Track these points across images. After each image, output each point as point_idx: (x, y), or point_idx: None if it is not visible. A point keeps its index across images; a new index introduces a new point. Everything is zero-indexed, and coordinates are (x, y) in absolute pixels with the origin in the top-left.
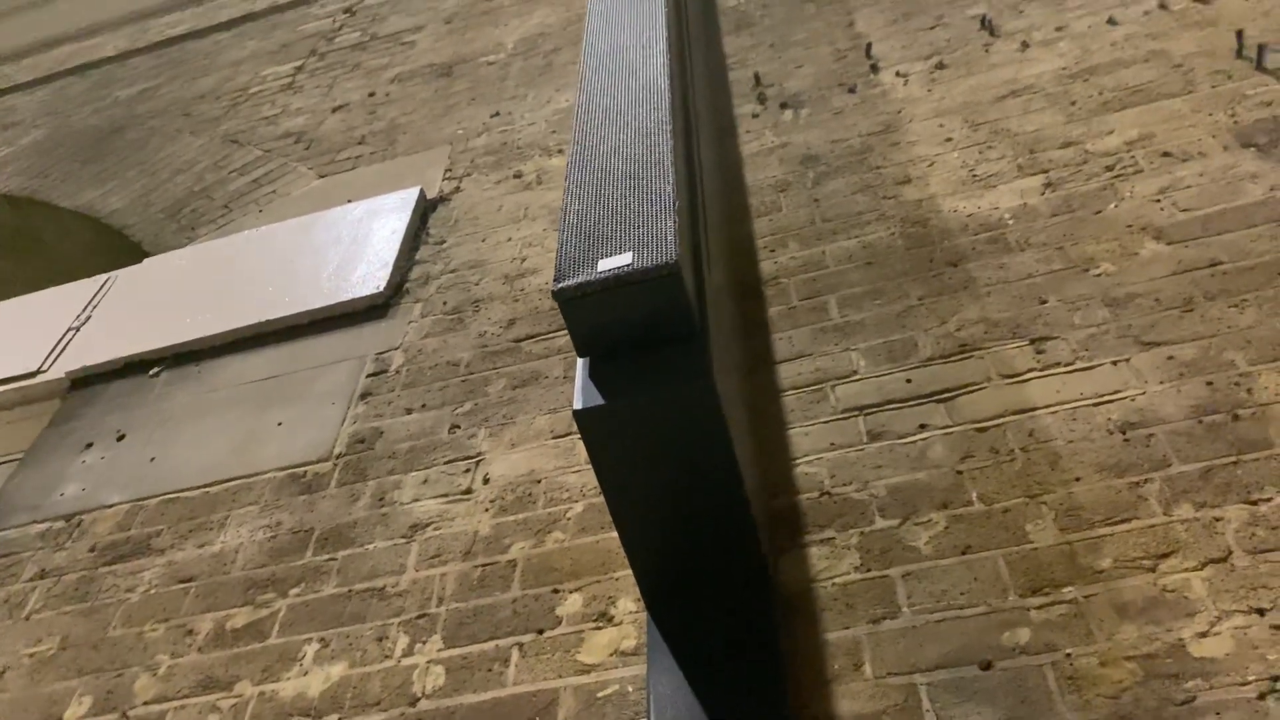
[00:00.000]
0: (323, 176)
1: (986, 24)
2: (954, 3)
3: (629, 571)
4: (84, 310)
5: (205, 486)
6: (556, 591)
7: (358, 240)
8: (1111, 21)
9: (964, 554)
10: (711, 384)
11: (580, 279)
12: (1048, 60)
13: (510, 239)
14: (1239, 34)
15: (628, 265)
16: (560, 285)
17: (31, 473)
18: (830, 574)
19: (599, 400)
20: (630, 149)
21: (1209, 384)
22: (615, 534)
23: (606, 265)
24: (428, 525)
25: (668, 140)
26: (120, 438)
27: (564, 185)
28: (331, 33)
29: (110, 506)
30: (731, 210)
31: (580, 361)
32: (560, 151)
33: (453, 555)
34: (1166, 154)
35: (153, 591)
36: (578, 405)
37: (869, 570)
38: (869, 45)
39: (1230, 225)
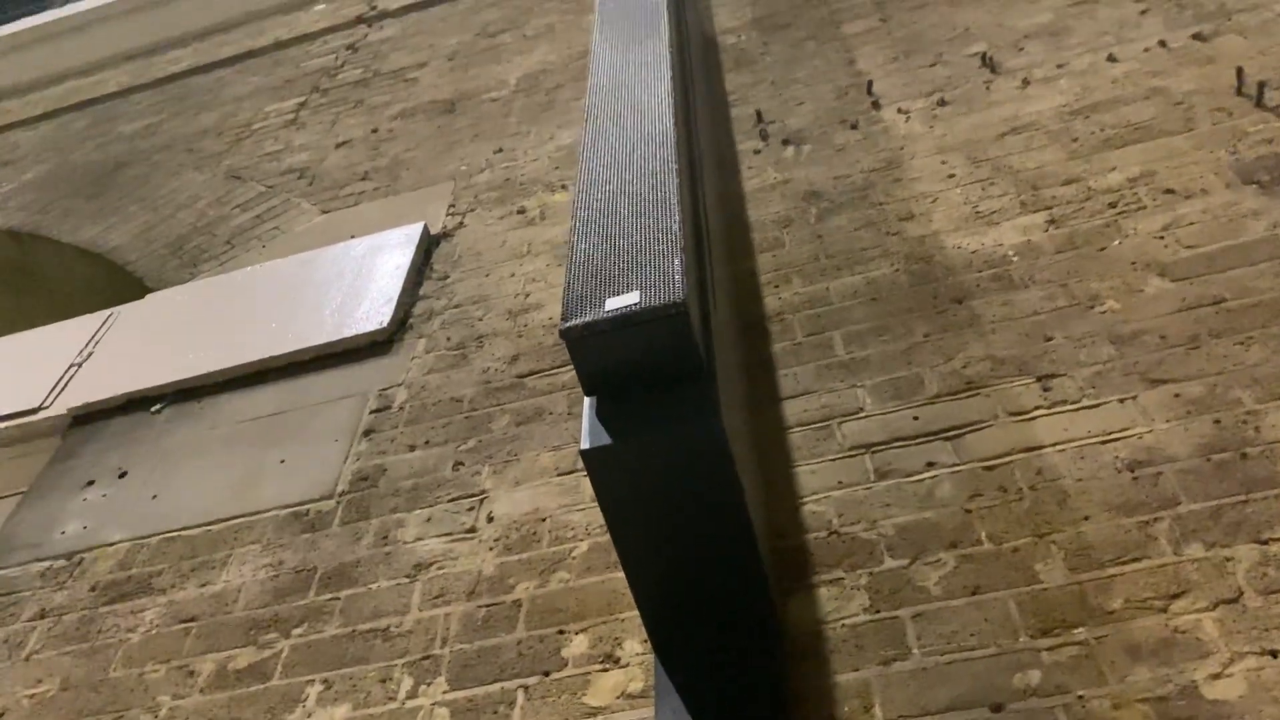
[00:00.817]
0: (326, 212)
1: (987, 61)
2: (954, 41)
3: (635, 612)
4: (86, 346)
5: (207, 525)
6: (562, 633)
7: (361, 276)
8: (1112, 59)
9: (974, 594)
10: (719, 424)
11: (587, 318)
12: (1049, 97)
13: (514, 274)
14: (1239, 71)
15: (635, 304)
16: (568, 325)
17: (32, 510)
18: (839, 615)
19: (606, 440)
20: (635, 187)
21: (1216, 422)
22: (621, 574)
23: (614, 304)
24: (431, 564)
25: (673, 179)
26: (122, 475)
27: (570, 224)
28: (334, 69)
29: (111, 545)
30: (735, 246)
31: (587, 400)
32: (563, 187)
33: (457, 595)
34: (1169, 191)
35: (154, 632)
36: (585, 445)
37: (878, 611)
38: (870, 82)
39: (1233, 262)
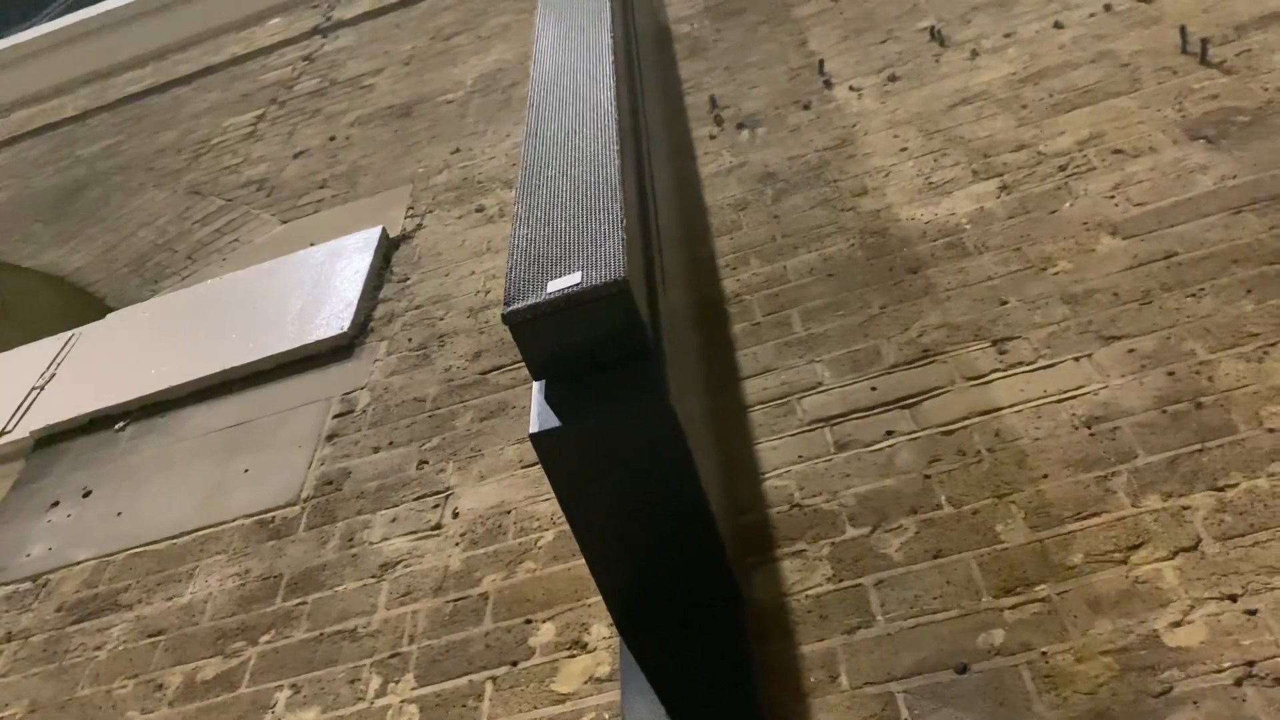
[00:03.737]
0: (285, 222)
1: (936, 35)
2: (903, 17)
3: (601, 597)
4: (48, 369)
5: (173, 538)
6: (529, 622)
7: (321, 282)
8: (1058, 25)
9: (936, 558)
10: (668, 402)
11: (530, 301)
12: (997, 67)
13: (474, 272)
14: (1182, 30)
15: (576, 285)
16: (510, 309)
17: None
18: (803, 586)
19: (555, 423)
20: (577, 171)
21: (1170, 374)
22: None
23: (555, 286)
24: (398, 563)
25: (614, 161)
26: (86, 494)
27: (513, 210)
28: (291, 81)
29: (77, 564)
30: (693, 232)
31: (535, 385)
32: None
33: (423, 592)
34: (1118, 151)
35: (121, 648)
36: (533, 429)
37: (841, 580)
38: (821, 62)
39: (1183, 217)
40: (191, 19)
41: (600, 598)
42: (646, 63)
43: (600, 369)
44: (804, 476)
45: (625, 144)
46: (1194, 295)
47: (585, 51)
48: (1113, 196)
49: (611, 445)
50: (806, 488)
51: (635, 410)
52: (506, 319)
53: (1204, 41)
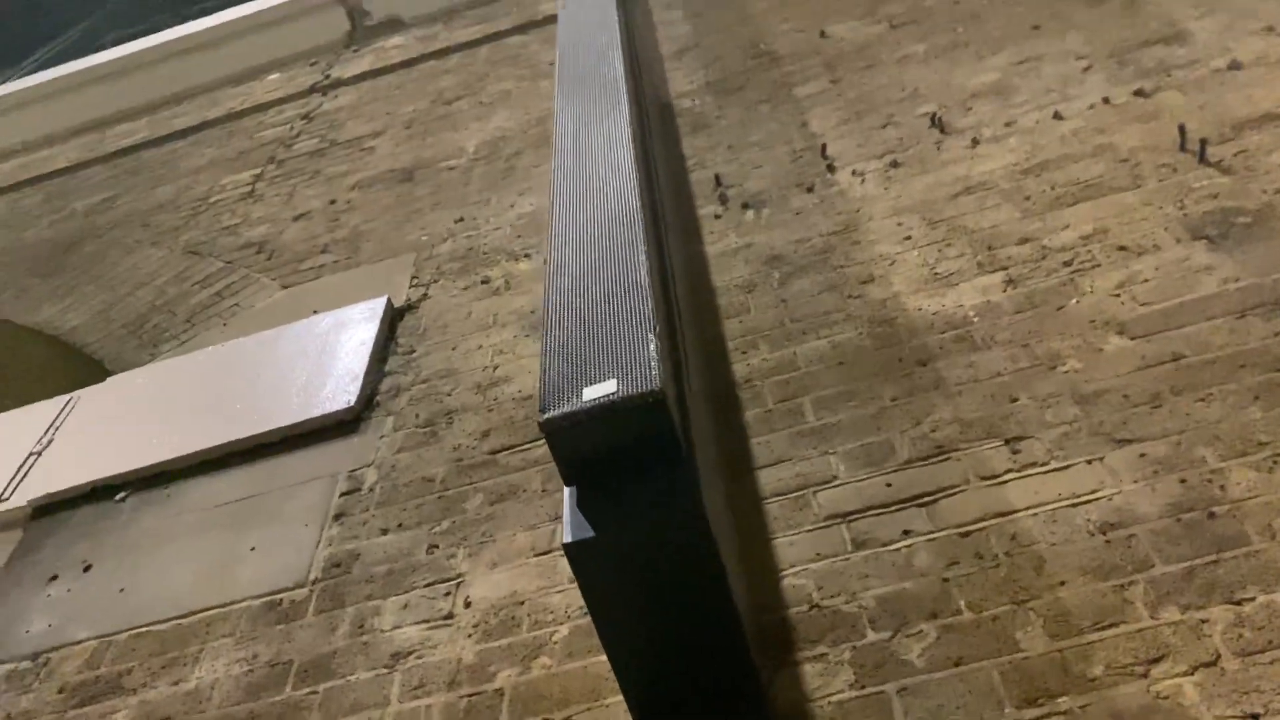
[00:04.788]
0: (286, 287)
1: (936, 122)
2: (903, 101)
3: (620, 698)
4: (45, 433)
5: (178, 618)
6: None
7: (325, 353)
8: (1058, 116)
9: (957, 665)
10: (702, 512)
11: (566, 409)
12: (999, 156)
13: (481, 346)
14: (1181, 128)
15: (613, 393)
16: (546, 415)
17: None
18: (825, 692)
19: (589, 533)
20: (606, 270)
21: (1182, 481)
22: (604, 659)
23: (591, 394)
24: (410, 653)
25: (642, 260)
26: (87, 568)
27: (543, 310)
28: (289, 139)
29: (79, 643)
30: (700, 312)
31: (567, 491)
32: (527, 256)
33: (437, 685)
34: (1122, 248)
35: None
36: (567, 538)
37: (864, 687)
38: (824, 145)
39: (1189, 318)
40: (187, 72)
41: (619, 698)
42: (654, 140)
43: (632, 475)
44: (822, 575)
45: (650, 240)
46: (1203, 400)
47: (605, 139)
48: (1118, 294)
49: (644, 554)
50: (825, 587)
51: (669, 522)
52: (543, 426)
53: (1203, 141)
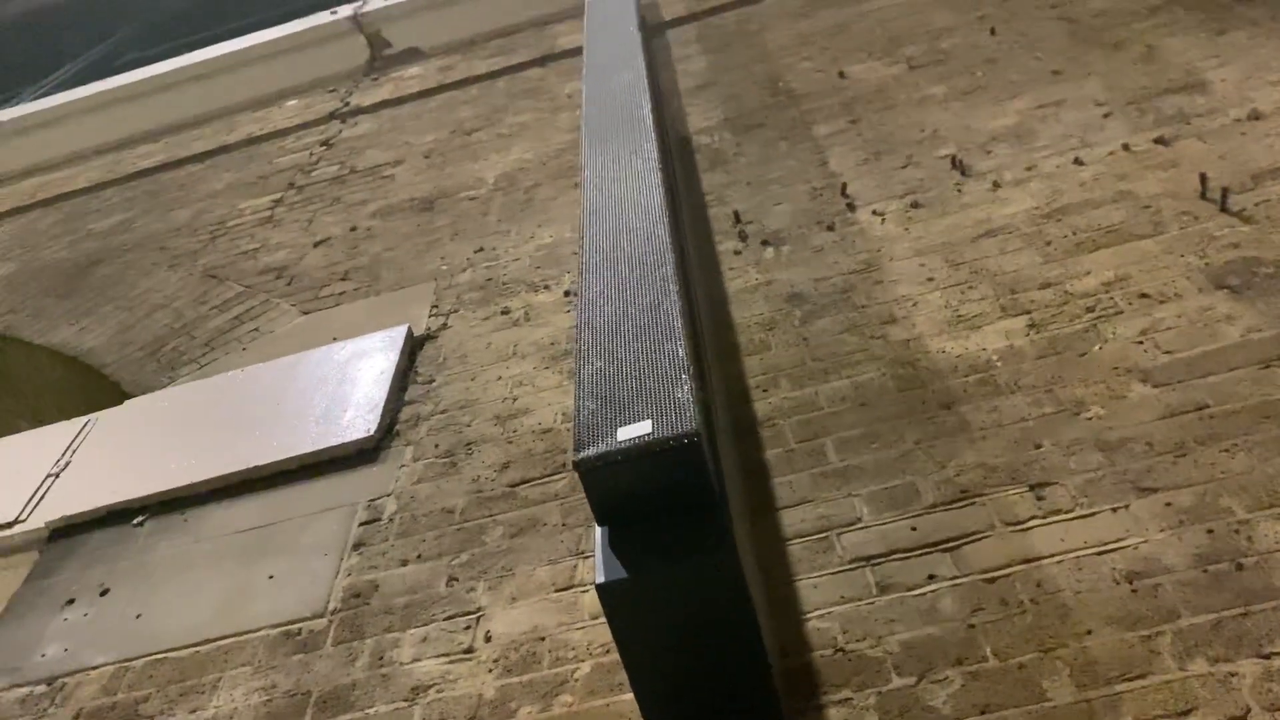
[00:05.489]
0: (306, 313)
1: (957, 164)
2: (923, 142)
3: None
4: (63, 455)
5: (195, 646)
6: None
7: (345, 381)
8: (1078, 161)
9: (983, 714)
10: (735, 556)
11: (600, 449)
12: (1020, 200)
13: (500, 378)
14: (1202, 177)
15: (648, 434)
16: (580, 455)
17: (10, 631)
18: None
19: (621, 574)
20: (637, 310)
21: (1209, 532)
22: (628, 697)
23: (626, 434)
24: (430, 687)
25: (675, 301)
26: (104, 592)
27: (575, 349)
28: (309, 166)
29: (95, 668)
30: (722, 348)
31: (599, 530)
32: (547, 288)
33: None
34: (1144, 295)
35: None
36: (600, 579)
37: None
38: (844, 184)
39: (1212, 368)
40: (206, 96)
41: None
42: (676, 177)
43: (664, 517)
44: (847, 619)
45: (680, 279)
46: (1228, 450)
47: (633, 178)
48: (1141, 342)
49: (676, 596)
50: (850, 631)
51: (701, 564)
52: (577, 465)
53: (1224, 190)
